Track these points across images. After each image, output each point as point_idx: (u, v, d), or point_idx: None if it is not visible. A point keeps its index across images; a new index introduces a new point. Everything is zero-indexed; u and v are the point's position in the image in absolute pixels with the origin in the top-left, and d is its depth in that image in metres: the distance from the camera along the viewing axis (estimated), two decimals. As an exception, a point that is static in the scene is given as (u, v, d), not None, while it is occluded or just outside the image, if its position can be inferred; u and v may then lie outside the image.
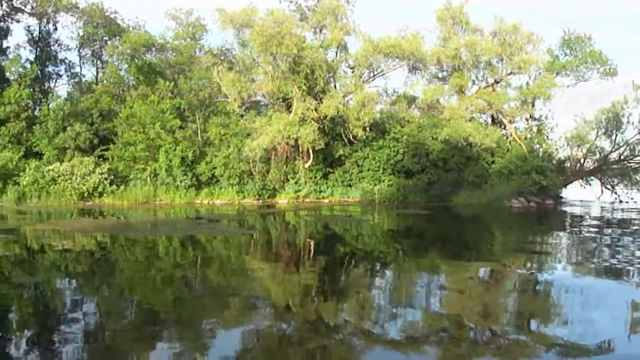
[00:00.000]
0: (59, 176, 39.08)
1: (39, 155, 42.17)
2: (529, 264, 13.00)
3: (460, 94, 46.84)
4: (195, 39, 51.75)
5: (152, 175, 40.84)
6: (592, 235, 19.62)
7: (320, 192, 42.55)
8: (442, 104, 47.10)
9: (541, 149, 45.88)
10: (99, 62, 53.36)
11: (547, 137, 47.55)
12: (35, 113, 44.75)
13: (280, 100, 42.85)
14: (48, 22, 50.47)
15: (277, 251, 17.99)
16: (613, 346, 7.33)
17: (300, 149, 41.29)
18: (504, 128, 46.72)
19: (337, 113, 40.08)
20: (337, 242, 21.24)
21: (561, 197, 47.38)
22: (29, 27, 50.02)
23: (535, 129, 47.63)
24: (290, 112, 41.14)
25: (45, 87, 48.98)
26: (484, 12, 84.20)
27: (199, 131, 43.60)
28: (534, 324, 8.19)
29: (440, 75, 48.44)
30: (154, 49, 49.82)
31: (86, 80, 52.82)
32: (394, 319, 9.61)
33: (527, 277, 11.49)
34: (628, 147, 46.83)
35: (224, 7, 41.68)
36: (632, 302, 9.25)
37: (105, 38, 50.96)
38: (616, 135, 46.78)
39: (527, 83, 46.37)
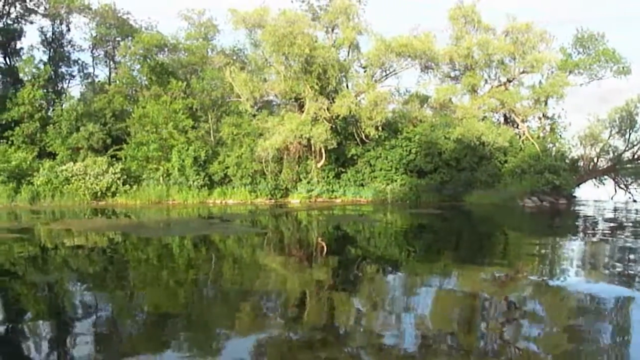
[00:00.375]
0: (72, 176, 39.33)
1: (52, 156, 42.46)
2: (541, 270, 12.57)
3: (472, 93, 46.68)
4: (207, 39, 51.74)
5: (164, 175, 41.00)
6: (607, 238, 19.12)
7: (333, 191, 42.53)
8: (454, 103, 47.05)
9: (554, 148, 45.70)
10: (111, 62, 53.49)
11: (560, 136, 47.48)
12: (49, 113, 45.00)
13: (293, 100, 42.90)
14: (61, 23, 50.61)
15: (289, 251, 17.98)
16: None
17: (313, 149, 41.32)
18: (517, 127, 46.51)
19: (349, 112, 40.05)
20: (349, 243, 21.19)
21: (574, 197, 47.17)
22: (42, 28, 50.23)
23: (548, 128, 47.46)
24: (303, 111, 41.17)
25: (59, 88, 49.09)
26: (494, 12, 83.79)
27: (211, 131, 43.68)
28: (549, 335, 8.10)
29: (452, 74, 48.35)
30: (166, 50, 49.86)
31: (99, 81, 52.96)
32: (401, 325, 9.67)
33: (540, 284, 11.21)
34: (642, 146, 46.63)
35: (236, 8, 41.85)
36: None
37: (117, 39, 51.03)
38: (630, 134, 46.63)
39: (540, 82, 46.20)
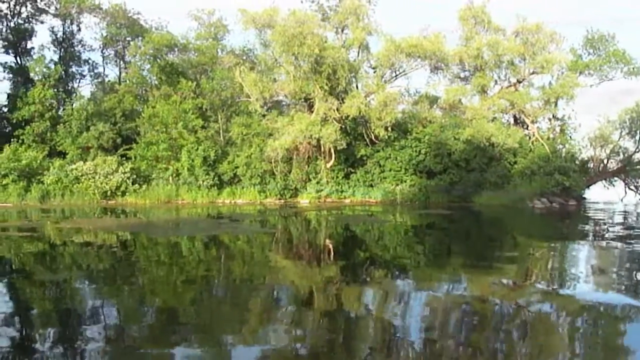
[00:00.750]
0: (82, 175, 39.51)
1: (62, 155, 42.70)
2: (549, 277, 12.20)
3: (482, 93, 46.55)
4: (217, 39, 51.82)
5: (174, 175, 41.12)
6: (617, 242, 18.73)
7: (342, 192, 42.50)
8: (464, 104, 46.89)
9: (564, 150, 45.51)
10: (121, 62, 53.68)
11: (570, 137, 47.24)
12: (59, 113, 45.24)
13: (302, 100, 42.89)
14: (72, 23, 50.90)
15: (298, 251, 17.99)
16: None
17: (322, 149, 41.35)
18: (527, 128, 46.39)
19: (359, 113, 40.02)
20: (358, 243, 21.17)
21: (584, 198, 46.90)
22: (53, 28, 50.56)
23: (558, 129, 47.27)
24: (312, 112, 41.18)
25: (69, 87, 49.35)
26: (504, 12, 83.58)
27: (221, 131, 43.77)
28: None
29: (462, 75, 48.22)
30: (176, 49, 49.98)
31: (109, 81, 53.22)
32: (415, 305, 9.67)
33: (548, 292, 10.94)
34: (652, 148, 46.38)
35: (245, 8, 41.88)
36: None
37: (128, 38, 51.22)
38: (640, 136, 46.36)
39: (550, 83, 45.95)
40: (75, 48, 51.63)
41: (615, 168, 47.88)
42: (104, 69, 54.08)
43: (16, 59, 49.63)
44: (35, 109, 43.06)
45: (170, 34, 49.37)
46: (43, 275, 13.37)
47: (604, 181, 48.98)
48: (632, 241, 18.48)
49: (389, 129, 40.73)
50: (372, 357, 7.10)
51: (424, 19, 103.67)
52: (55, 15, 50.19)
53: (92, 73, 53.07)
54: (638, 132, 46.00)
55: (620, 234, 21.67)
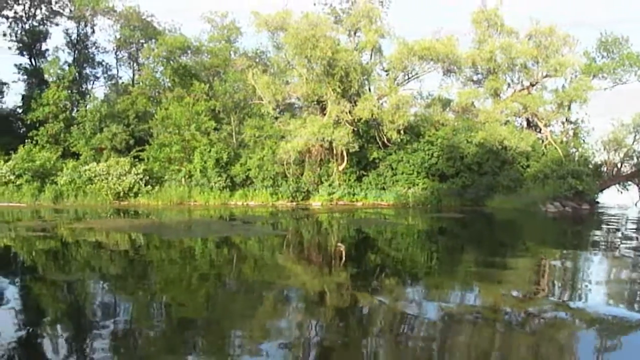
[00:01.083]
0: (95, 176, 39.68)
1: (76, 156, 42.92)
2: (561, 289, 11.78)
3: (495, 97, 46.44)
4: (230, 42, 51.85)
5: (186, 176, 41.24)
6: (630, 251, 18.35)
7: (354, 194, 42.40)
8: (477, 107, 46.79)
9: (577, 153, 45.37)
10: (135, 64, 53.87)
11: (584, 140, 47.12)
12: (73, 114, 45.48)
13: (315, 102, 42.87)
14: (86, 26, 51.15)
15: (309, 254, 17.99)
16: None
17: (335, 152, 41.39)
18: (540, 131, 46.23)
19: (371, 116, 40.03)
20: (371, 244, 21.19)
21: (597, 202, 46.66)
22: (67, 30, 50.79)
23: (571, 133, 47.17)
24: (325, 114, 41.22)
25: (83, 89, 49.55)
26: (517, 15, 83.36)
27: (233, 133, 43.83)
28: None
29: (475, 78, 48.13)
30: (189, 52, 50.05)
31: (123, 82, 53.39)
32: (429, 305, 9.65)
33: (559, 304, 10.63)
34: (666, 152, 46.14)
35: (258, 10, 42.04)
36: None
37: (141, 41, 51.34)
38: (654, 140, 46.13)
39: (563, 86, 45.76)
40: (89, 50, 51.89)
41: (629, 172, 47.66)
42: (118, 70, 54.37)
43: (31, 60, 50.05)
44: (49, 110, 43.34)
45: (183, 36, 49.52)
46: (56, 275, 13.43)
47: (617, 185, 48.78)
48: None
49: (402, 131, 40.70)
50: None
51: (436, 21, 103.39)
52: (69, 18, 50.55)
53: (105, 75, 53.34)
54: (652, 136, 45.80)
55: (634, 242, 21.20)
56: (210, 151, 41.16)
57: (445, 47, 41.54)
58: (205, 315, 9.95)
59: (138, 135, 44.35)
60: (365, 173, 43.78)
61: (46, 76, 46.32)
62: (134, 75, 53.98)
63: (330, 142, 40.06)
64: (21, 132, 45.95)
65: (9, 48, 49.70)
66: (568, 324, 8.69)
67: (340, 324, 8.84)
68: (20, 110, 48.56)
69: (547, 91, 46.89)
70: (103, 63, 52.86)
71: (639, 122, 45.82)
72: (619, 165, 47.67)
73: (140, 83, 49.60)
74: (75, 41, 50.94)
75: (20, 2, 48.99)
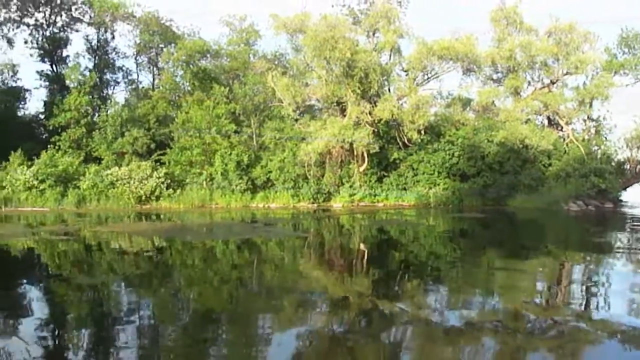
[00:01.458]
0: (117, 180, 39.88)
1: (98, 160, 43.19)
2: (582, 298, 11.24)
3: (515, 95, 46.22)
4: (249, 45, 52.02)
5: (208, 179, 41.35)
6: None
7: (375, 195, 42.32)
8: (497, 106, 46.63)
9: (599, 151, 44.95)
10: (155, 68, 54.12)
11: (606, 138, 46.69)
12: (95, 119, 45.73)
13: (335, 104, 42.85)
14: (106, 31, 51.48)
15: (330, 256, 17.99)
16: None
17: (355, 153, 41.34)
18: (561, 130, 45.96)
19: (391, 116, 39.98)
20: (393, 245, 21.17)
21: (621, 201, 46.17)
22: (87, 36, 51.21)
23: (593, 130, 46.73)
24: (345, 115, 41.22)
25: (104, 94, 49.92)
26: (536, 13, 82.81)
27: (254, 135, 43.93)
28: None
29: (494, 76, 47.91)
30: (208, 55, 50.18)
31: (143, 87, 53.68)
32: (450, 312, 9.61)
33: (581, 314, 9.80)
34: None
35: (277, 13, 42.14)
36: None
37: (161, 45, 51.58)
38: (678, 136, 45.57)
39: (584, 83, 45.54)
40: (110, 55, 52.25)
41: (652, 169, 47.13)
42: (138, 75, 54.68)
43: (52, 67, 50.48)
44: (71, 115, 43.70)
45: (202, 40, 49.64)
46: (81, 279, 13.54)
47: (640, 183, 48.25)
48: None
49: (422, 132, 40.63)
50: None
51: (454, 20, 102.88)
52: (89, 24, 50.88)
53: (126, 80, 53.67)
54: (676, 132, 45.26)
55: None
56: (231, 154, 41.26)
57: (464, 46, 41.39)
58: (227, 316, 10.02)
59: (159, 139, 44.57)
60: (386, 174, 43.67)
61: (67, 82, 46.73)
62: (154, 79, 54.30)
63: (351, 144, 40.04)
64: (44, 137, 46.48)
65: (31, 55, 50.29)
66: (589, 335, 8.42)
67: (359, 331, 8.79)
68: (42, 116, 49.05)
69: (568, 89, 46.70)
70: (123, 68, 53.28)
71: (662, 119, 45.34)
72: (642, 162, 47.16)
73: (161, 87, 49.78)
74: (95, 47, 51.33)
75: (40, 9, 49.43)
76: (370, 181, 42.65)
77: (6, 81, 50.72)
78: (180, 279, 13.81)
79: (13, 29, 48.81)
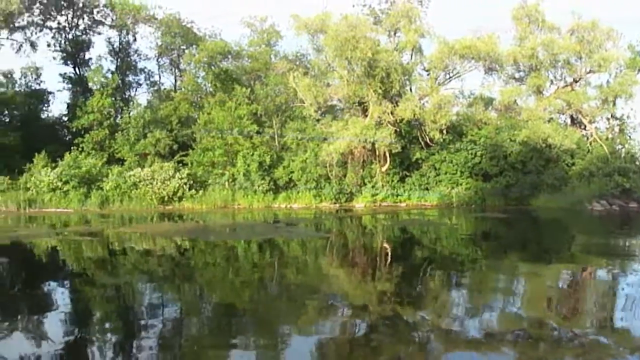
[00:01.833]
0: (140, 181, 40.07)
1: (121, 161, 43.50)
2: (605, 309, 11.05)
3: (538, 94, 45.95)
4: (270, 46, 52.06)
5: (230, 180, 41.43)
6: None
7: (397, 195, 42.17)
8: (519, 105, 46.38)
9: (623, 150, 44.62)
10: (177, 70, 54.32)
11: (630, 137, 46.23)
12: (117, 121, 46.03)
13: (356, 104, 42.82)
14: (127, 34, 51.78)
15: (353, 257, 18.00)
16: None
17: (377, 153, 41.24)
18: (584, 128, 45.62)
19: (413, 116, 39.86)
20: (415, 246, 21.19)
21: (645, 200, 45.74)
22: (109, 39, 51.53)
23: (617, 129, 46.33)
24: (366, 115, 41.16)
25: (126, 96, 50.20)
26: (558, 10, 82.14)
27: (275, 136, 43.96)
28: None
29: (517, 75, 47.59)
30: (230, 57, 50.27)
31: (165, 89, 53.91)
32: (471, 321, 9.55)
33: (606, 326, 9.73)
34: None
35: (298, 13, 42.12)
36: None
37: (182, 47, 51.74)
38: (703, 134, 45.13)
39: (608, 81, 45.10)
40: (132, 57, 52.59)
41: (678, 168, 46.58)
42: (160, 77, 54.92)
43: (75, 69, 50.99)
44: (94, 117, 44.03)
45: (223, 42, 49.77)
46: (105, 278, 13.68)
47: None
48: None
49: (444, 131, 40.51)
50: None
51: (475, 19, 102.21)
52: (111, 27, 51.24)
53: (148, 81, 53.95)
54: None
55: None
56: (253, 154, 41.30)
57: (486, 45, 41.18)
58: (249, 316, 10.08)
59: (181, 140, 44.80)
60: (408, 174, 43.55)
61: (90, 84, 47.13)
62: (175, 81, 54.56)
63: (373, 144, 39.99)
64: (67, 139, 46.96)
65: (54, 58, 50.97)
66: (609, 350, 8.21)
67: (378, 340, 8.73)
68: (65, 118, 49.56)
69: (591, 87, 46.31)
70: (145, 70, 53.58)
71: (686, 117, 44.89)
72: (667, 161, 46.65)
73: (182, 89, 50.03)
74: (117, 49, 51.70)
75: (63, 13, 49.78)
76: (392, 181, 42.53)
77: (30, 84, 51.16)
78: (202, 279, 13.89)
79: (36, 33, 49.15)
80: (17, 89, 49.87)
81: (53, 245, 20.65)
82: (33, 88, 51.11)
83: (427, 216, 34.16)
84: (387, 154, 41.23)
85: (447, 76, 44.04)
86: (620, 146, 44.92)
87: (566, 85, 46.08)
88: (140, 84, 53.52)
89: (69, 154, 41.44)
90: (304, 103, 41.50)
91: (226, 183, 41.41)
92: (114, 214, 36.26)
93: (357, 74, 40.08)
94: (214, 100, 44.84)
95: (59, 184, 39.26)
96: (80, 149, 43.11)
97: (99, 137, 43.97)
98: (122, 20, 50.09)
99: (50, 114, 52.04)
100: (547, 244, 22.23)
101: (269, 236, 22.60)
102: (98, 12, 50.94)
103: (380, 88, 39.86)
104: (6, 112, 48.72)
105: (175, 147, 44.15)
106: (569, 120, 46.64)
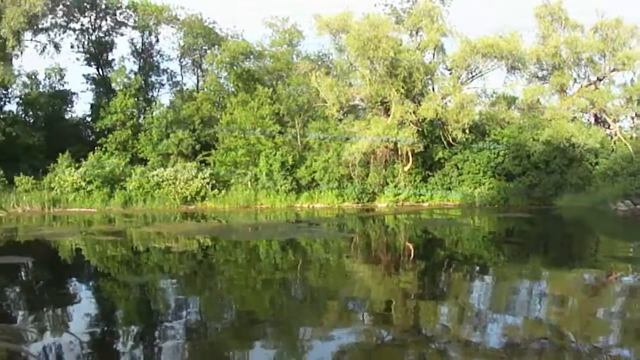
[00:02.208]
0: (163, 181, 40.37)
1: (144, 161, 43.88)
2: (628, 318, 10.61)
3: (561, 93, 45.62)
4: (292, 46, 52.04)
5: (252, 180, 41.57)
6: None
7: (420, 195, 42.05)
8: (542, 104, 46.07)
9: (648, 149, 44.15)
10: (199, 70, 54.45)
11: (655, 136, 45.75)
12: (140, 121, 46.37)
13: (379, 103, 42.71)
14: (150, 35, 52.10)
15: (377, 254, 18.02)
16: None
17: (400, 152, 41.21)
18: (608, 127, 45.19)
19: (435, 115, 39.73)
20: (437, 246, 21.13)
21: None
22: (132, 39, 51.88)
23: (641, 128, 45.93)
24: (389, 115, 41.05)
25: (149, 96, 50.42)
26: (582, 8, 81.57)
27: (298, 136, 44.02)
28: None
29: (540, 74, 47.17)
30: (252, 57, 50.33)
31: (187, 89, 54.02)
32: (492, 329, 9.50)
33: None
34: None
35: (319, 13, 42.12)
36: None
37: (204, 47, 51.87)
38: None
39: (632, 79, 44.67)
40: (154, 58, 52.94)
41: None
42: (182, 77, 55.08)
43: (98, 70, 51.46)
44: (117, 118, 44.40)
45: (245, 42, 49.88)
46: (129, 277, 13.81)
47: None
48: None
49: (467, 131, 40.24)
50: None
51: (497, 17, 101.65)
52: (134, 28, 51.62)
53: (170, 82, 54.16)
54: None
55: None
56: (275, 154, 41.38)
57: (508, 43, 40.87)
58: (271, 315, 10.12)
59: (204, 140, 45.03)
60: (430, 173, 43.43)
61: (113, 85, 47.49)
62: (198, 81, 54.67)
63: (395, 143, 39.97)
64: (91, 139, 47.46)
65: (77, 59, 51.39)
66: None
67: (399, 346, 8.72)
68: (89, 119, 50.08)
69: (615, 85, 45.88)
70: (168, 70, 53.84)
71: None
72: (692, 160, 46.13)
73: (205, 89, 50.24)
74: (140, 50, 52.04)
75: (86, 14, 50.18)
76: (415, 181, 42.43)
77: (54, 85, 51.44)
78: (224, 279, 13.97)
79: (60, 34, 49.45)
80: (41, 90, 50.12)
81: (77, 244, 20.87)
82: (57, 89, 51.37)
83: (449, 216, 34.09)
84: (410, 154, 41.14)
85: (470, 75, 43.81)
86: (645, 145, 44.43)
87: (590, 84, 45.70)
88: (163, 85, 53.85)
89: (93, 154, 41.96)
90: (326, 103, 41.44)
91: (249, 183, 41.57)
92: (137, 213, 36.57)
93: (379, 73, 39.98)
94: (236, 100, 45.02)
95: (83, 183, 39.66)
96: (103, 149, 43.54)
97: (122, 137, 44.31)
98: (144, 21, 50.43)
99: (74, 115, 52.45)
100: (571, 246, 22.05)
101: (292, 236, 22.67)
102: (121, 14, 51.43)
103: (403, 87, 39.73)
104: (31, 112, 49.09)
105: (197, 147, 44.40)
106: (592, 119, 46.25)
